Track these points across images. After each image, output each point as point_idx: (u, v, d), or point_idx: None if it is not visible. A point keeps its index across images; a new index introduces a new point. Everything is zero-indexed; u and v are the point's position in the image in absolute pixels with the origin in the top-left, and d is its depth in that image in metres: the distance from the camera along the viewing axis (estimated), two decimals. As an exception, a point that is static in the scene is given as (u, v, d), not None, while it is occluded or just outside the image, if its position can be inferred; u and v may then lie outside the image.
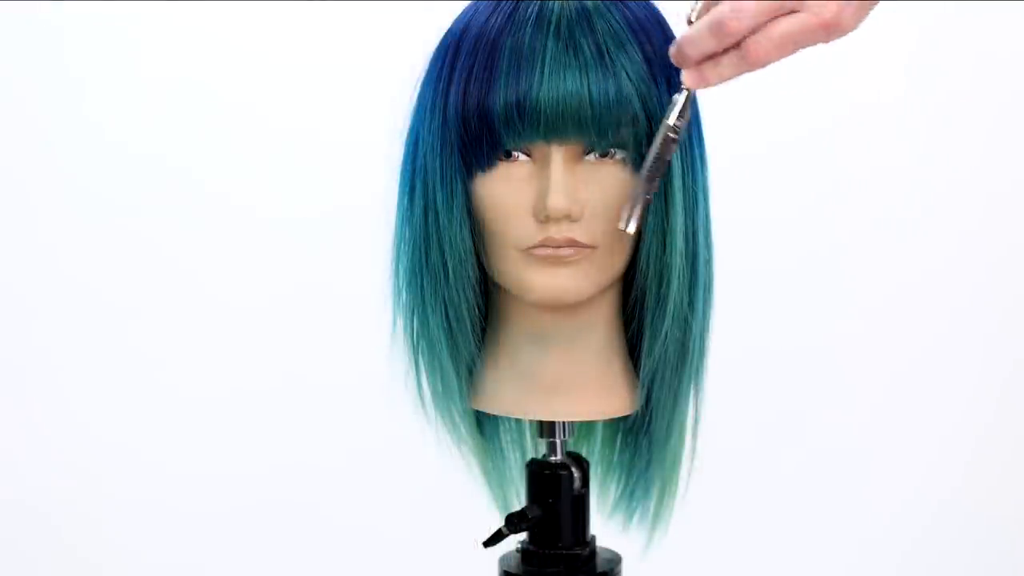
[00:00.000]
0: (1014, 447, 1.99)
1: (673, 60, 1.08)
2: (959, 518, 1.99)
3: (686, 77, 1.08)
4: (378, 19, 1.87)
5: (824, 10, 1.02)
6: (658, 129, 1.11)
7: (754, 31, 1.04)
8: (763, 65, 1.05)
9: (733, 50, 1.05)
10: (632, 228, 1.12)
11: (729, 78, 1.07)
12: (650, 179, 1.12)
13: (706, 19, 1.05)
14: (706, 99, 1.21)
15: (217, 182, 1.92)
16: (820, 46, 1.05)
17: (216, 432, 1.93)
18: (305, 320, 1.92)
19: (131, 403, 1.93)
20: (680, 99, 1.10)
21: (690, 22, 1.08)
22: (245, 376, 1.93)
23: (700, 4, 1.07)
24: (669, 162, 1.13)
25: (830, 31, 1.03)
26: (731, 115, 1.49)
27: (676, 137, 1.11)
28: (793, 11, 1.03)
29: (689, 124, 1.18)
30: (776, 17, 1.03)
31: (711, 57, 1.06)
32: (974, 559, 1.99)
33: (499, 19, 1.17)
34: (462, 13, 1.21)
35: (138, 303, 1.94)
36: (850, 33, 1.04)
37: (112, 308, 1.93)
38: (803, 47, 1.05)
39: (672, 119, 1.10)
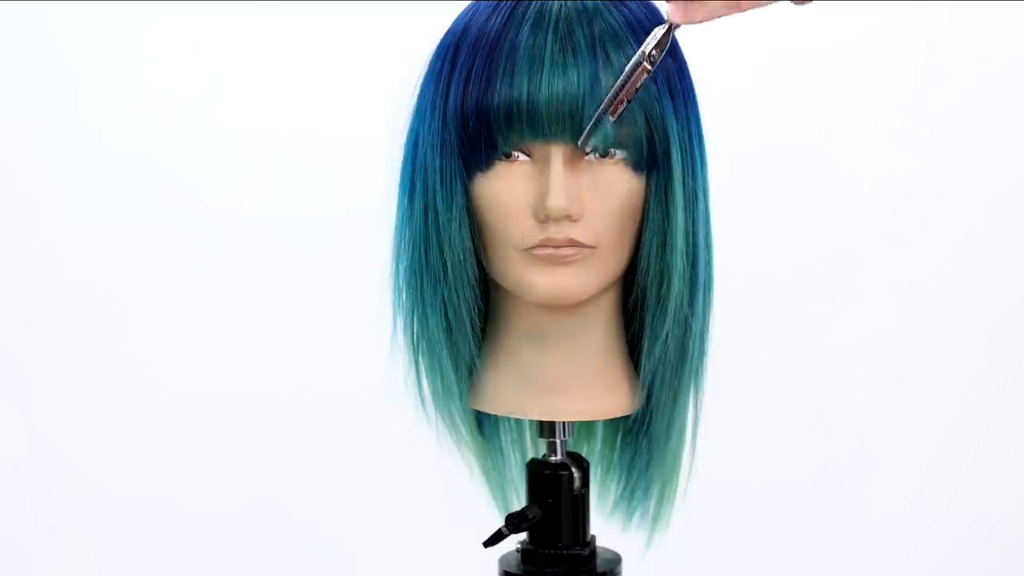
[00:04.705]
0: (1016, 449, 1.99)
1: None
2: (963, 520, 1.98)
3: (671, 9, 1.06)
4: (378, 20, 1.87)
5: None
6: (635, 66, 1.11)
7: None
8: (750, 6, 1.01)
9: None
10: (585, 144, 1.12)
11: (714, 17, 1.03)
12: (613, 101, 1.11)
13: None
14: (707, 99, 1.21)
15: (217, 183, 1.92)
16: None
17: (214, 433, 1.93)
18: (304, 321, 1.92)
19: (128, 404, 1.93)
20: (660, 30, 1.10)
21: None
22: (244, 377, 1.93)
23: None
24: (638, 91, 1.11)
25: None
26: (732, 115, 1.49)
27: (650, 68, 1.10)
28: None
29: (689, 122, 1.19)
30: None
31: None
32: (978, 562, 1.99)
33: (499, 19, 1.17)
34: (462, 13, 1.21)
35: (137, 304, 1.94)
36: None
37: (110, 310, 1.93)
38: None
39: (649, 47, 1.10)
